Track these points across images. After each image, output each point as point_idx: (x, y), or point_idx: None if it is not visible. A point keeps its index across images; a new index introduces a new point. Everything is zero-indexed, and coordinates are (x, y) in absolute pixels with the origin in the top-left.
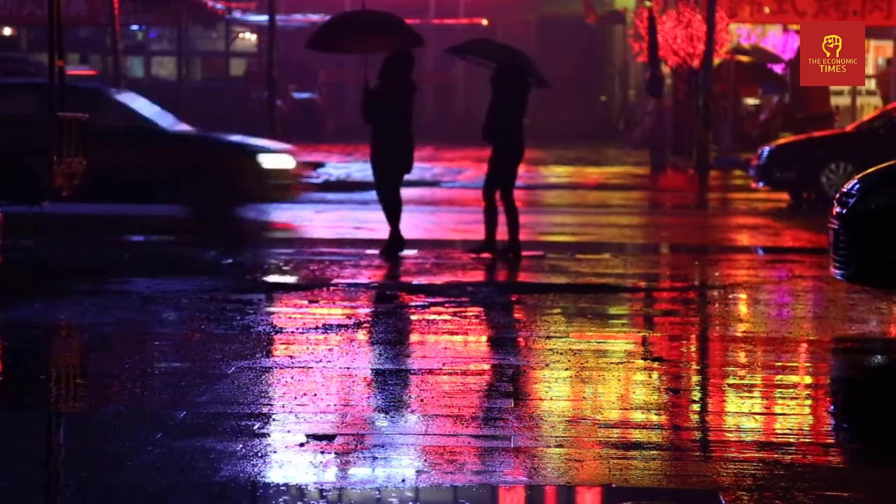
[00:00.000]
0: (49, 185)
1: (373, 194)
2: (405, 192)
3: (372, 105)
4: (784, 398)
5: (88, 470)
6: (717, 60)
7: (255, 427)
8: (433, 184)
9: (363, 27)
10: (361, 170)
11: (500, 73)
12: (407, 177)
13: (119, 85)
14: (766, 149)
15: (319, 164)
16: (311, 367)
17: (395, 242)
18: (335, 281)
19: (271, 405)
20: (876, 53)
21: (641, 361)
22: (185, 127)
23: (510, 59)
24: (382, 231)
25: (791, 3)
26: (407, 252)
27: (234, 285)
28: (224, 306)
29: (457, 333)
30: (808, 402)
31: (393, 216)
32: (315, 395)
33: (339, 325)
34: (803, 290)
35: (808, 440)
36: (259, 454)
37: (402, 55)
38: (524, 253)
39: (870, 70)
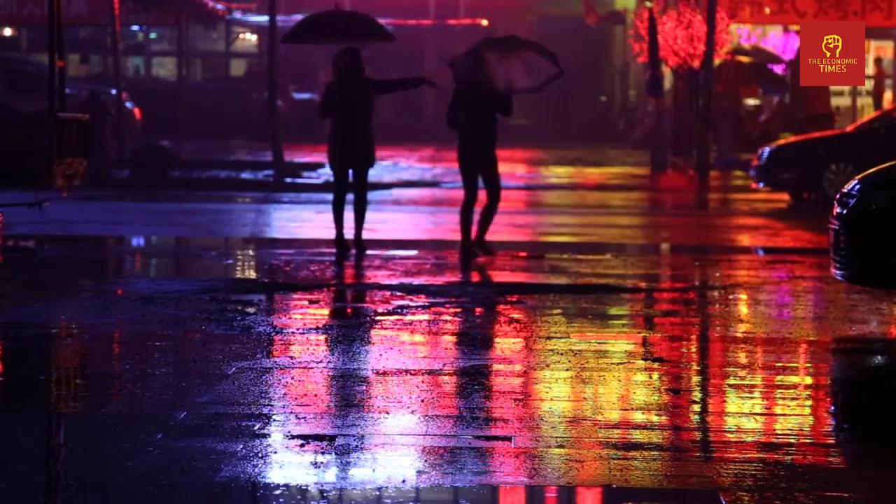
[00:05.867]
0: (49, 185)
1: (372, 195)
2: (406, 193)
3: (324, 101)
4: (784, 398)
5: (88, 470)
6: (717, 61)
7: (256, 427)
8: (433, 184)
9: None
10: None
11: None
12: (407, 177)
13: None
14: (767, 149)
15: (319, 165)
16: (311, 368)
17: (358, 246)
18: (335, 281)
19: (272, 405)
20: (876, 54)
21: (642, 362)
22: None
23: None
24: (383, 231)
25: (791, 3)
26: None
27: (234, 285)
28: (224, 306)
29: (457, 333)
30: (809, 402)
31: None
32: (315, 395)
33: (338, 326)
34: (803, 291)
35: (808, 440)
36: (259, 454)
37: (348, 51)
38: (525, 253)
39: (869, 70)
